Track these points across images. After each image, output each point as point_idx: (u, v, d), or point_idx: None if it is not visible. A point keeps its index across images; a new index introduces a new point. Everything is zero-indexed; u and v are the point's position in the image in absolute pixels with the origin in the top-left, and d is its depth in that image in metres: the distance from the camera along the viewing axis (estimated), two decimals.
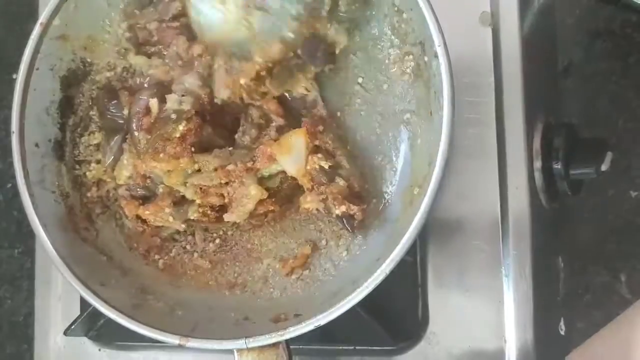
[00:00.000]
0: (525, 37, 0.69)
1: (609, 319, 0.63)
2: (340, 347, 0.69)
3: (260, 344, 0.56)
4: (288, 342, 0.57)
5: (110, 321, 0.59)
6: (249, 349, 0.56)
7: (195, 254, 0.67)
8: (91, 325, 0.73)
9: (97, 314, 0.69)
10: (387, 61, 0.64)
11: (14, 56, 1.07)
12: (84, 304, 0.75)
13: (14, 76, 1.07)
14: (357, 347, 0.68)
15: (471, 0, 0.68)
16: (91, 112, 0.68)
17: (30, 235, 0.96)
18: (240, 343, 0.56)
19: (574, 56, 0.86)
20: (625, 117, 0.85)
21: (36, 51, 0.63)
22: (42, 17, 0.63)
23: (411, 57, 0.62)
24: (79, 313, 0.75)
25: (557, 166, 0.69)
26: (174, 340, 0.57)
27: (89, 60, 0.68)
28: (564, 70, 0.85)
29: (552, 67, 0.84)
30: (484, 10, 0.68)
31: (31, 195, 0.61)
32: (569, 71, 0.86)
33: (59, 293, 0.79)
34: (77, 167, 0.67)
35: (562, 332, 0.75)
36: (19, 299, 1.03)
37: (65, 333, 0.73)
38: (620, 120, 0.85)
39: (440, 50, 0.55)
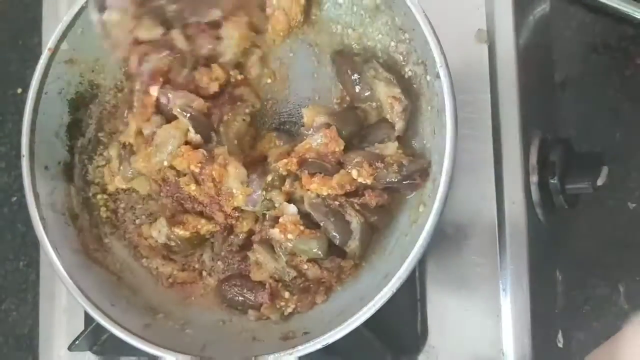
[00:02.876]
0: (521, 53, 0.70)
1: (607, 331, 0.63)
2: None
3: None
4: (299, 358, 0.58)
5: (113, 336, 0.60)
6: None
7: (204, 273, 0.68)
8: (95, 340, 0.74)
9: (101, 328, 0.70)
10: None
11: (17, 72, 1.09)
12: (88, 318, 0.76)
13: (18, 91, 1.09)
14: None
15: (467, 17, 0.69)
16: (99, 134, 0.69)
17: (35, 247, 0.97)
18: None
19: (570, 70, 0.86)
20: (623, 130, 0.85)
21: (44, 76, 0.64)
22: (50, 43, 0.64)
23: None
24: (83, 326, 0.76)
25: (554, 181, 0.69)
26: (185, 359, 0.58)
27: (96, 82, 0.69)
28: (561, 85, 0.86)
29: (549, 82, 0.85)
30: (480, 27, 0.69)
31: (42, 218, 0.62)
32: (566, 85, 0.86)
33: (63, 306, 0.80)
34: (86, 188, 0.68)
35: (560, 345, 0.76)
36: (24, 311, 1.03)
37: (69, 348, 0.74)
38: (617, 133, 0.85)
39: (442, 71, 0.56)
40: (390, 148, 0.61)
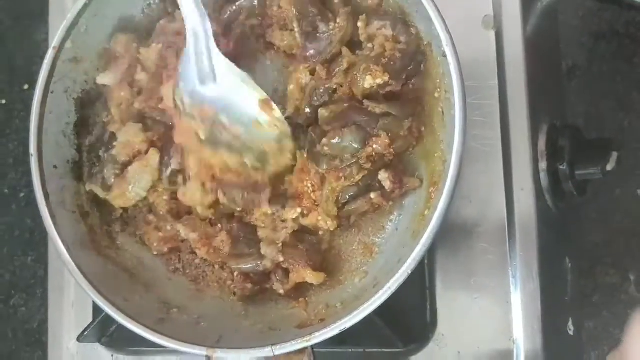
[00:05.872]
0: (528, 40, 0.69)
1: (618, 319, 0.63)
2: (350, 350, 0.69)
3: (287, 350, 0.56)
4: (313, 346, 0.57)
5: (122, 327, 0.60)
6: (275, 357, 0.56)
7: (217, 266, 0.68)
8: (104, 331, 0.74)
9: (109, 320, 0.70)
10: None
11: (24, 67, 1.09)
12: (96, 310, 0.76)
13: (25, 87, 1.10)
14: (366, 350, 0.69)
15: (474, 4, 0.69)
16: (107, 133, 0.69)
17: (43, 242, 0.97)
18: (267, 351, 0.56)
19: (578, 58, 0.86)
20: (631, 117, 0.85)
21: (50, 75, 0.64)
22: (55, 41, 0.63)
23: None
24: (91, 319, 0.76)
25: (563, 167, 0.69)
26: (201, 351, 0.57)
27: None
28: (569, 72, 0.86)
29: (556, 69, 0.84)
30: (487, 13, 0.68)
31: (53, 216, 0.62)
32: (574, 73, 0.86)
33: (71, 300, 0.80)
34: None
35: (571, 333, 0.76)
36: (33, 306, 1.04)
37: (78, 339, 0.74)
38: (625, 121, 0.85)
39: (448, 50, 0.56)
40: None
